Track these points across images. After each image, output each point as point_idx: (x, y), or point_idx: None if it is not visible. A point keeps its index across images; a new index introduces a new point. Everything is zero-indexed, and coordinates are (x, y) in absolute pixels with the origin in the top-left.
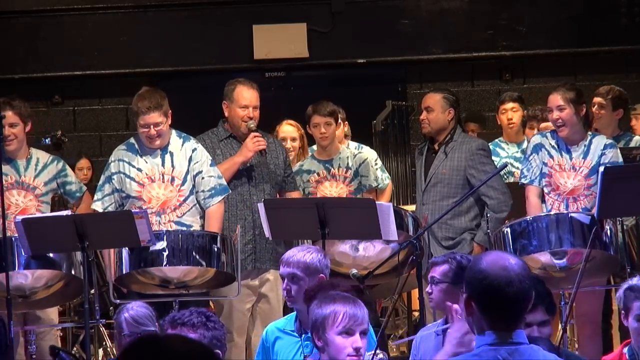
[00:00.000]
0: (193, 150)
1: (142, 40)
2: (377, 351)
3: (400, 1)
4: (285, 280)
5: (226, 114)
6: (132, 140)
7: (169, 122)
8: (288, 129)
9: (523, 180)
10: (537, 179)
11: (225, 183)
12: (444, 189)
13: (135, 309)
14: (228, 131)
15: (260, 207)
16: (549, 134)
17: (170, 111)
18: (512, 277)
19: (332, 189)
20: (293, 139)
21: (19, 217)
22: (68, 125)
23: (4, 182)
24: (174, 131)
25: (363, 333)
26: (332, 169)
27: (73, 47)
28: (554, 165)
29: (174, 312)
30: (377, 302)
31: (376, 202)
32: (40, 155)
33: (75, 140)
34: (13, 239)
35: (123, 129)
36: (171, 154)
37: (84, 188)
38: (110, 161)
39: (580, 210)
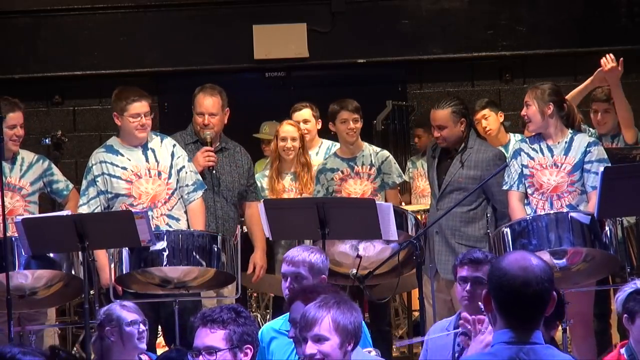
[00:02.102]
0: (174, 146)
1: (142, 40)
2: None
3: (400, 1)
4: (289, 279)
5: (193, 119)
6: (109, 142)
7: None
8: (289, 129)
9: (504, 187)
10: (515, 184)
11: (201, 179)
12: (460, 197)
13: (125, 301)
14: (195, 136)
15: (261, 207)
16: (528, 138)
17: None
18: (530, 278)
19: (357, 187)
20: (293, 139)
21: (19, 217)
22: (68, 125)
23: None
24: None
25: (317, 339)
26: (356, 167)
27: (73, 47)
28: (534, 165)
29: (205, 309)
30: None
31: (376, 202)
32: (25, 155)
33: (75, 140)
34: (13, 239)
35: None
36: (152, 150)
37: (71, 186)
38: (91, 165)
39: (565, 206)
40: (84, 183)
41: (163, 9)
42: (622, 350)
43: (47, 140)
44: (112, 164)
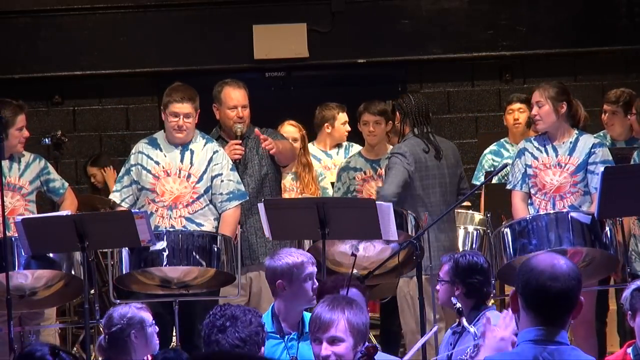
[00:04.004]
0: (215, 152)
1: (142, 40)
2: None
3: (400, 1)
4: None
5: (217, 116)
6: (155, 135)
7: (196, 120)
8: (290, 130)
9: (508, 186)
10: (519, 184)
11: (243, 189)
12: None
13: (134, 303)
14: (217, 132)
15: (260, 207)
16: (533, 138)
17: (199, 110)
18: (558, 274)
19: None
20: (294, 140)
21: (19, 217)
22: (68, 125)
23: None
24: (198, 131)
25: (332, 340)
26: (379, 169)
27: (73, 47)
28: (538, 165)
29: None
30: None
31: (376, 202)
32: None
33: (75, 140)
34: (13, 239)
35: (123, 129)
36: (192, 152)
37: (67, 185)
38: (131, 153)
39: (567, 207)
40: (122, 170)
41: (163, 9)
42: (629, 350)
43: (47, 140)
44: (148, 156)
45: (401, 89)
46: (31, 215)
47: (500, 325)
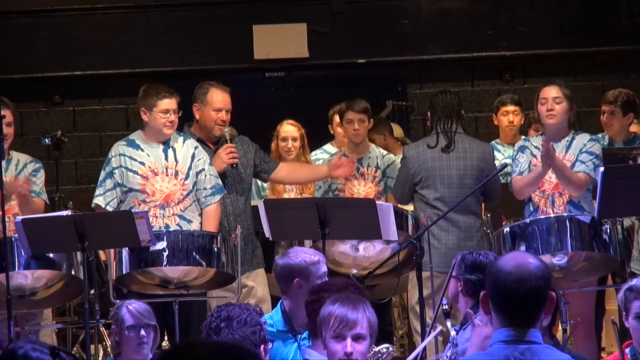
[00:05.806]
0: (195, 148)
1: (142, 40)
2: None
3: (400, 1)
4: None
5: (197, 116)
6: (131, 136)
7: None
8: (289, 129)
9: (514, 174)
10: (525, 171)
11: (222, 183)
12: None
13: (136, 302)
14: (195, 135)
15: (260, 207)
16: (531, 138)
17: None
18: (524, 276)
19: (361, 188)
20: (294, 139)
21: (19, 217)
22: (68, 125)
23: None
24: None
25: (357, 338)
26: (362, 168)
27: (73, 47)
28: (537, 163)
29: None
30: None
31: (376, 202)
32: (20, 158)
33: (75, 140)
34: (13, 239)
35: (123, 129)
36: (173, 149)
37: (43, 197)
38: (110, 156)
39: (566, 202)
40: (102, 174)
41: (163, 9)
42: (627, 350)
43: (47, 140)
44: (130, 157)
45: (401, 89)
46: (31, 216)
47: (485, 322)
